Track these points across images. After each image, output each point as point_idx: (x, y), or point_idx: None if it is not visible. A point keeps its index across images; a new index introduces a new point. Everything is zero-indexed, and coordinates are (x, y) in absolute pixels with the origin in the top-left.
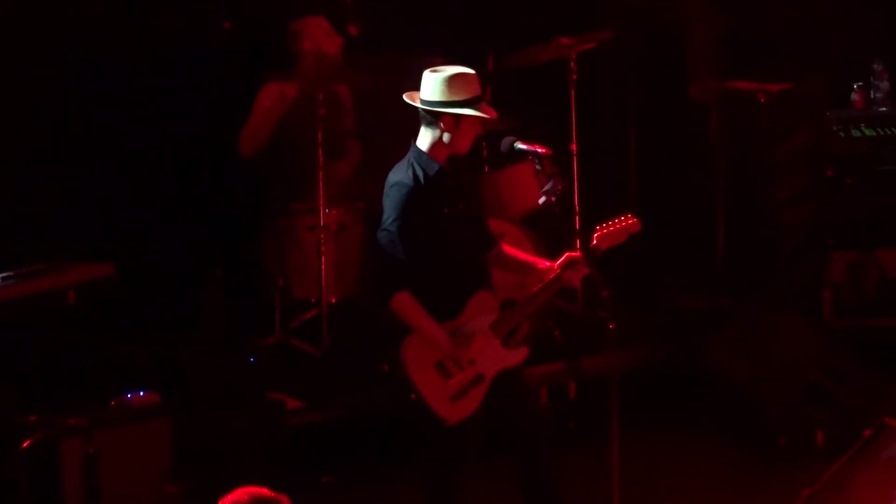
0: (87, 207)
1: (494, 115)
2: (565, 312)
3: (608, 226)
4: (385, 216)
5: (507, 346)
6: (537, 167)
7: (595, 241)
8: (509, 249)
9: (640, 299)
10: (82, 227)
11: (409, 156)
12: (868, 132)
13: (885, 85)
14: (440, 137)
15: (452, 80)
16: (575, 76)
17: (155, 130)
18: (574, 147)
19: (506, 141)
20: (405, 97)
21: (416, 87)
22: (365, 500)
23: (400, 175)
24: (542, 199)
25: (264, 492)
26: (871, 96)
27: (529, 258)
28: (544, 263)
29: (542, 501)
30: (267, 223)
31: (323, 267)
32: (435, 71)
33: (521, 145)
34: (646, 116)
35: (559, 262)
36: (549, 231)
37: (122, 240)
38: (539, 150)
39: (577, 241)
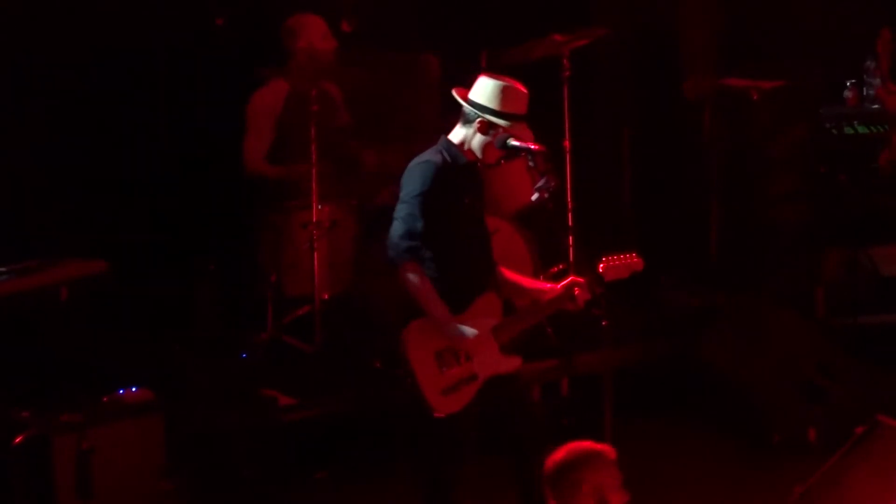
0: (80, 203)
1: (529, 137)
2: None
3: (614, 259)
4: (405, 190)
5: (503, 352)
6: (530, 164)
7: (601, 270)
8: (510, 274)
9: (634, 296)
10: (75, 223)
11: (439, 145)
12: (861, 129)
13: (877, 82)
14: (471, 139)
15: (503, 91)
16: (568, 73)
17: (148, 126)
18: (567, 144)
19: (499, 137)
20: (454, 92)
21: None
22: (358, 496)
23: (428, 155)
24: (535, 196)
25: (585, 444)
26: (864, 93)
27: (530, 282)
28: (545, 286)
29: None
30: (260, 219)
31: (316, 263)
32: (492, 76)
33: (514, 142)
34: (639, 113)
35: (562, 284)
36: (542, 228)
37: (115, 235)
38: (532, 147)
39: (572, 255)
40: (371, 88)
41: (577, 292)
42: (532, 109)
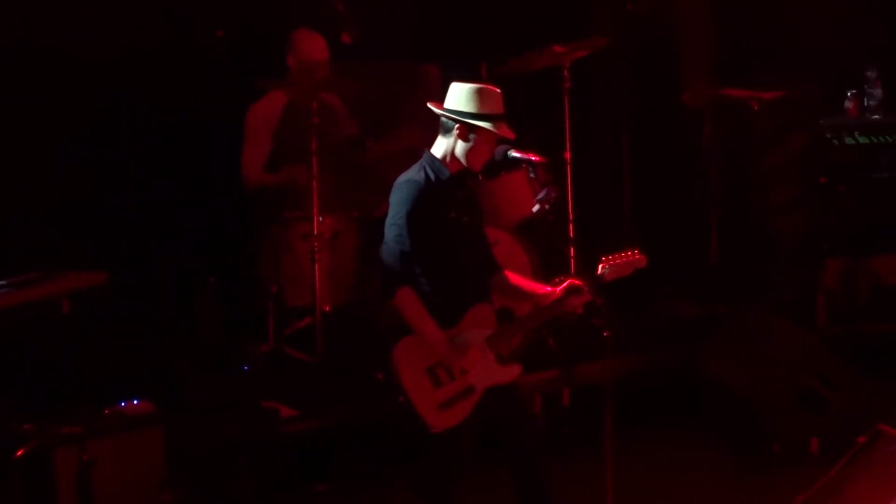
0: (81, 215)
1: (511, 135)
2: (559, 320)
3: (615, 258)
4: (393, 212)
5: (500, 361)
6: (531, 175)
7: (600, 271)
8: (513, 277)
9: (635, 306)
10: (76, 236)
11: (422, 160)
12: (862, 140)
13: (878, 92)
14: (453, 148)
15: (475, 93)
16: (568, 84)
17: (149, 138)
18: (568, 155)
19: (500, 149)
20: (429, 105)
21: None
22: None
23: (411, 174)
24: (535, 207)
25: None
26: (865, 104)
27: (532, 286)
28: (545, 289)
29: None
30: (261, 231)
31: (317, 275)
32: (463, 82)
33: (514, 153)
34: (639, 124)
35: (562, 287)
36: (543, 239)
37: (116, 248)
38: (533, 159)
39: (574, 266)
40: (371, 99)
41: (575, 296)
42: (532, 121)
